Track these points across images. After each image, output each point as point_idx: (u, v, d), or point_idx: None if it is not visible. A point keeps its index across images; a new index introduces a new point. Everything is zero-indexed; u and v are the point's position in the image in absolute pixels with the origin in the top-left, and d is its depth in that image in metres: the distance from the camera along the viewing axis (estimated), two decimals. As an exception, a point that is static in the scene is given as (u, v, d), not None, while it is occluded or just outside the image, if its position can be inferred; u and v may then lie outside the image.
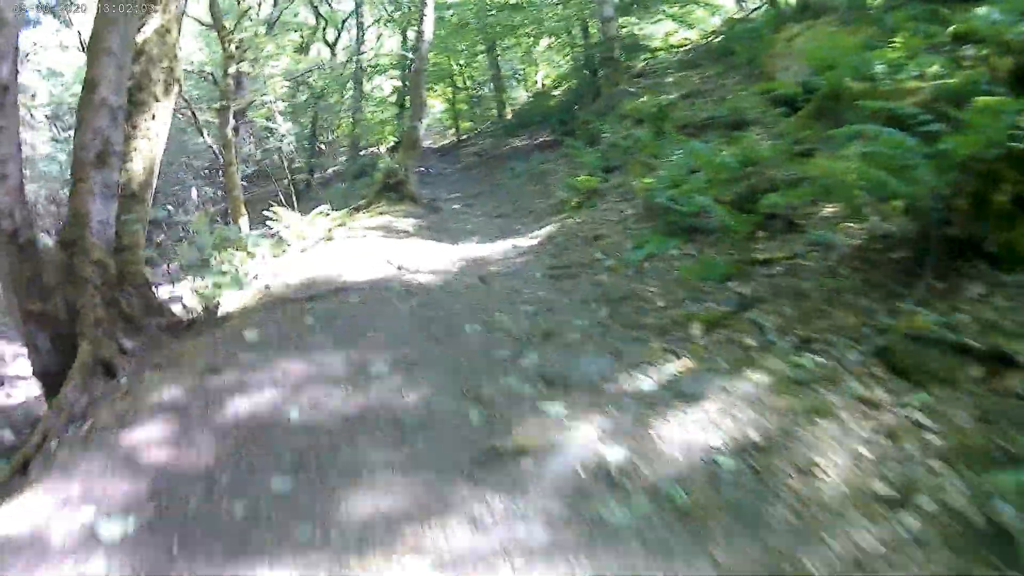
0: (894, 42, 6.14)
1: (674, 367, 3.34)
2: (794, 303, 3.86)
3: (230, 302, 6.78)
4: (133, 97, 6.45)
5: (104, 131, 5.41)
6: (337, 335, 4.73)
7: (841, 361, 3.18)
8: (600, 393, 3.28)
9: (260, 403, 3.78)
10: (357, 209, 10.88)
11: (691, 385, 3.14)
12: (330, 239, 8.53)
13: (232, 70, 13.94)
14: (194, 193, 19.27)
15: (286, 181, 16.16)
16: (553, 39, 18.04)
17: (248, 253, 6.99)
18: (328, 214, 10.73)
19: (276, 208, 11.34)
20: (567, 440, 2.88)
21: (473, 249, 7.58)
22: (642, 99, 10.83)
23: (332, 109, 20.65)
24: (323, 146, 22.69)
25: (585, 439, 2.86)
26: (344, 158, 20.72)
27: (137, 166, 6.32)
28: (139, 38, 6.81)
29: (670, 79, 11.71)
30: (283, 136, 14.77)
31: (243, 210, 12.77)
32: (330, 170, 21.07)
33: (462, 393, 3.49)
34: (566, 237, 6.94)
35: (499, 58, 19.68)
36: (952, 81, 5.44)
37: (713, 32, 14.39)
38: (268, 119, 16.95)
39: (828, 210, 5.20)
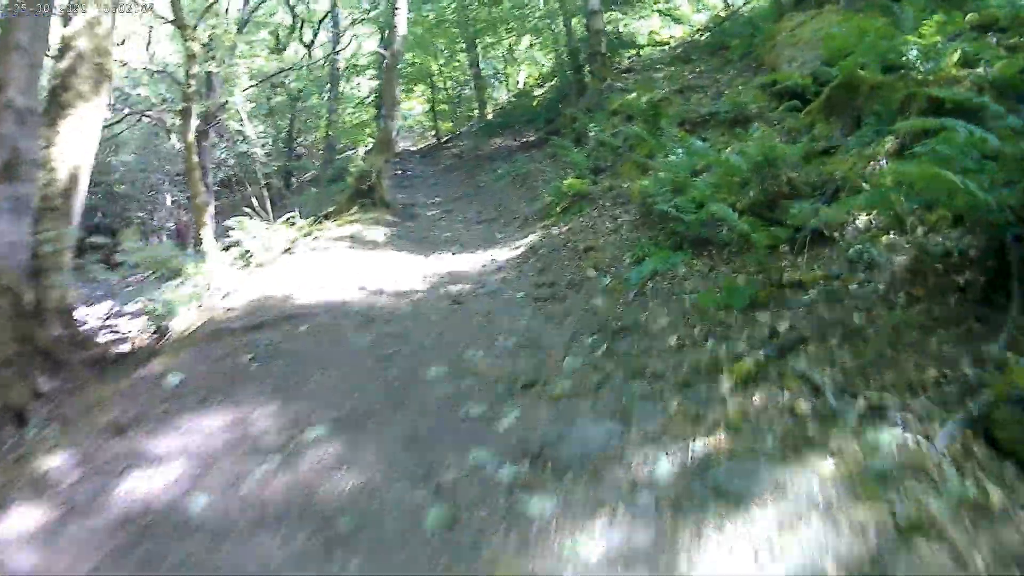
0: (927, 24, 5.28)
1: (704, 443, 2.43)
2: (847, 345, 2.96)
3: (180, 323, 5.85)
4: (57, 98, 5.53)
5: (12, 138, 4.47)
6: (276, 379, 3.78)
7: (929, 437, 2.29)
8: (603, 480, 2.37)
9: (161, 484, 2.85)
10: (327, 216, 9.92)
11: (731, 476, 2.23)
12: (291, 252, 7.58)
13: (195, 70, 12.93)
14: (168, 199, 18.19)
15: (261, 187, 15.12)
16: (535, 37, 17.14)
17: (190, 272, 6.04)
18: (294, 223, 9.77)
19: (241, 218, 10.40)
20: (560, 572, 1.96)
21: (449, 262, 6.65)
22: (632, 95, 9.95)
23: (310, 111, 19.60)
24: (303, 149, 21.63)
25: (585, 570, 1.95)
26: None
27: (59, 175, 5.35)
28: (66, 31, 5.89)
29: (660, 74, 10.84)
30: (251, 140, 13.69)
31: (206, 219, 11.77)
32: (309, 174, 20.02)
33: (418, 476, 2.57)
34: (552, 248, 6.03)
35: (480, 57, 18.74)
36: (1002, 69, 4.61)
37: (700, 29, 13.57)
38: (238, 122, 15.90)
39: (863, 219, 4.32)
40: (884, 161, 4.77)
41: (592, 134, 9.37)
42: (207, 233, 11.22)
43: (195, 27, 12.59)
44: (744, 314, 3.47)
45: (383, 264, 6.57)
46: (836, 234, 4.27)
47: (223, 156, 16.84)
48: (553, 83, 16.62)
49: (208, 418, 3.38)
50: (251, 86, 14.72)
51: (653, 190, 5.59)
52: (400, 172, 15.61)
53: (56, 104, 5.55)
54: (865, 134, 5.48)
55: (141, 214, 18.56)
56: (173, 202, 18.62)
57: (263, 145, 18.93)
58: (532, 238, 6.77)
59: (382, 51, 10.42)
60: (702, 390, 2.81)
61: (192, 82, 13.24)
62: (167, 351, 4.76)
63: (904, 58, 5.18)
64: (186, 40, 12.58)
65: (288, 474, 2.74)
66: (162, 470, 2.96)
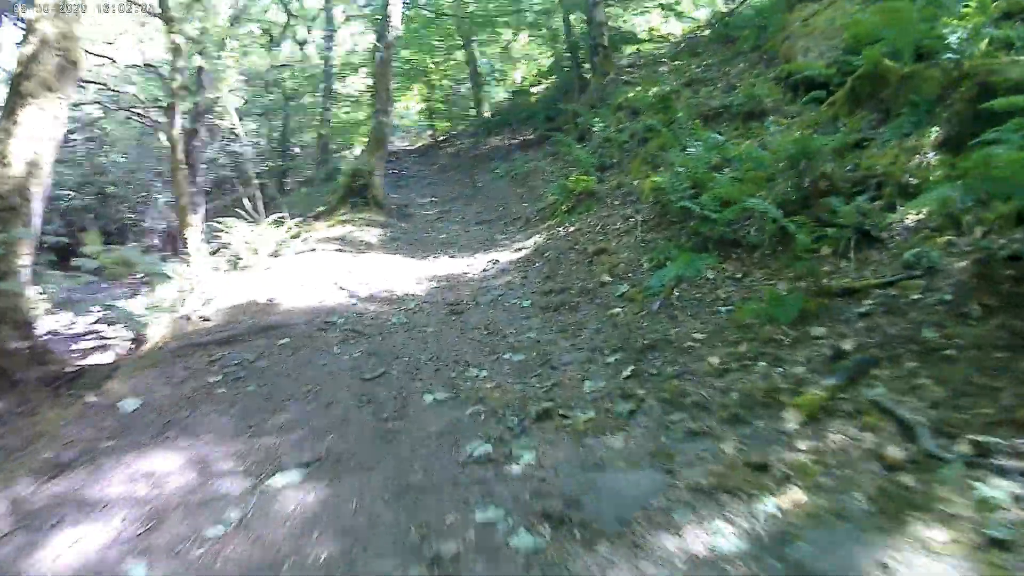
0: (969, 5, 4.75)
1: (774, 503, 1.87)
2: (928, 367, 2.41)
3: (155, 332, 5.29)
4: (18, 87, 4.99)
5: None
6: (245, 407, 3.22)
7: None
8: (648, 553, 1.81)
9: (97, 543, 2.30)
10: (317, 217, 9.35)
11: (817, 552, 1.67)
12: (279, 255, 7.02)
13: (181, 64, 12.36)
14: (161, 200, 17.61)
15: (253, 187, 14.52)
16: (534, 32, 16.57)
17: (168, 277, 5.46)
18: (283, 223, 9.20)
19: (229, 219, 9.84)
20: None
21: (446, 266, 6.09)
22: (636, 89, 9.41)
23: (304, 110, 19.00)
24: (298, 150, 21.00)
25: None
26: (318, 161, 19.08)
27: (15, 171, 4.79)
28: (29, 14, 5.33)
29: (664, 68, 10.30)
30: (242, 138, 13.09)
31: (191, 221, 11.19)
32: (305, 174, 19.41)
33: (410, 543, 2.01)
34: (559, 251, 5.47)
35: (476, 54, 18.17)
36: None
37: (702, 24, 13.01)
38: (226, 119, 15.30)
39: (912, 218, 3.78)
40: (932, 154, 4.24)
41: (596, 130, 8.82)
42: (193, 235, 10.63)
43: (182, 20, 12.01)
44: (794, 329, 2.92)
45: (374, 268, 6.01)
46: (885, 235, 3.73)
47: (215, 155, 16.25)
48: (551, 80, 16.07)
49: (162, 456, 2.82)
50: (242, 83, 14.15)
51: (669, 187, 5.04)
52: (395, 172, 15.04)
53: (16, 94, 5.01)
54: (901, 125, 4.95)
55: (132, 216, 17.95)
56: (166, 203, 18.01)
57: (256, 144, 18.35)
58: (536, 240, 6.21)
59: (377, 44, 9.87)
60: (760, 427, 2.26)
61: (178, 77, 12.64)
62: (129, 369, 4.19)
63: (946, 42, 4.64)
64: (171, 33, 12.01)
65: (248, 537, 2.18)
66: (100, 524, 2.40)
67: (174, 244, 12.90)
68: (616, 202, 6.34)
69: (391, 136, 10.58)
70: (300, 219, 9.60)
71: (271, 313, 4.75)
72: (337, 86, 19.40)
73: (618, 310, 3.80)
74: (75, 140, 16.38)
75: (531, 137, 13.48)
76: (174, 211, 16.47)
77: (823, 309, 3.04)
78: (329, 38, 18.90)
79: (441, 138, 18.78)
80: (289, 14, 19.90)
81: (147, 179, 18.64)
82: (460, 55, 18.63)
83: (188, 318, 5.18)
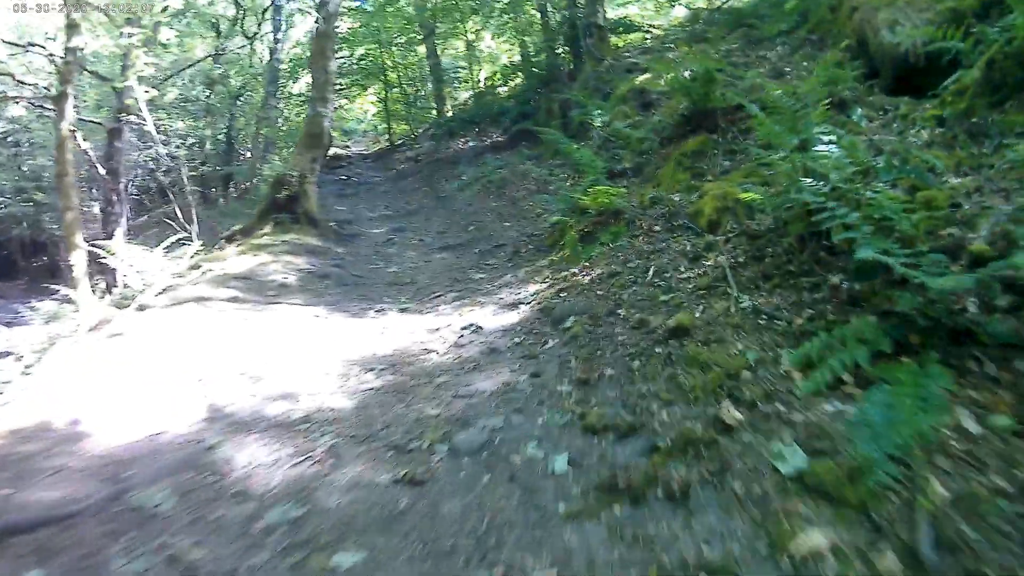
0: None
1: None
2: None
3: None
4: None
5: None
6: None
7: None
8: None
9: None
10: (232, 237, 6.77)
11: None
12: (143, 308, 4.46)
13: (77, 42, 9.55)
14: (96, 208, 14.55)
15: (189, 195, 11.66)
16: (500, 24, 14.18)
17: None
18: (173, 248, 6.60)
19: (110, 242, 7.28)
20: None
21: (394, 334, 3.63)
22: (643, 77, 7.16)
23: (252, 110, 16.03)
24: (250, 153, 17.90)
25: None
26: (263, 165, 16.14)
27: None
28: None
29: (674, 54, 8.05)
30: (154, 136, 10.18)
31: (78, 241, 8.43)
32: (254, 180, 16.44)
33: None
34: (592, 319, 3.07)
35: (437, 48, 15.67)
36: None
37: (700, 11, 10.83)
38: (160, 118, 12.43)
39: None
40: None
41: (598, 125, 6.49)
42: (78, 258, 7.82)
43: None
44: None
45: (277, 339, 3.54)
46: None
47: (147, 159, 13.23)
48: (521, 78, 13.57)
49: None
50: (149, 63, 11.33)
51: (785, 208, 2.76)
52: (343, 178, 12.45)
53: None
54: None
55: (54, 225, 14.85)
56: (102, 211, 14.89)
57: (193, 147, 15.39)
58: (540, 289, 3.82)
59: (317, 15, 7.34)
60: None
61: (69, 59, 9.69)
62: None
63: None
64: (66, 6, 9.18)
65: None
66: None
67: (96, 260, 10.02)
68: (656, 227, 4.01)
69: (331, 132, 8.04)
70: (221, 238, 7.04)
71: (53, 467, 2.28)
72: (289, 84, 16.68)
73: (811, 540, 1.43)
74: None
75: (501, 139, 11.11)
76: (98, 220, 13.05)
77: None
78: (277, 28, 16.12)
79: (399, 142, 16.21)
80: (238, 6, 16.82)
81: (77, 185, 15.52)
82: (421, 50, 16.15)
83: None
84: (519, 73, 13.25)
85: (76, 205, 9.16)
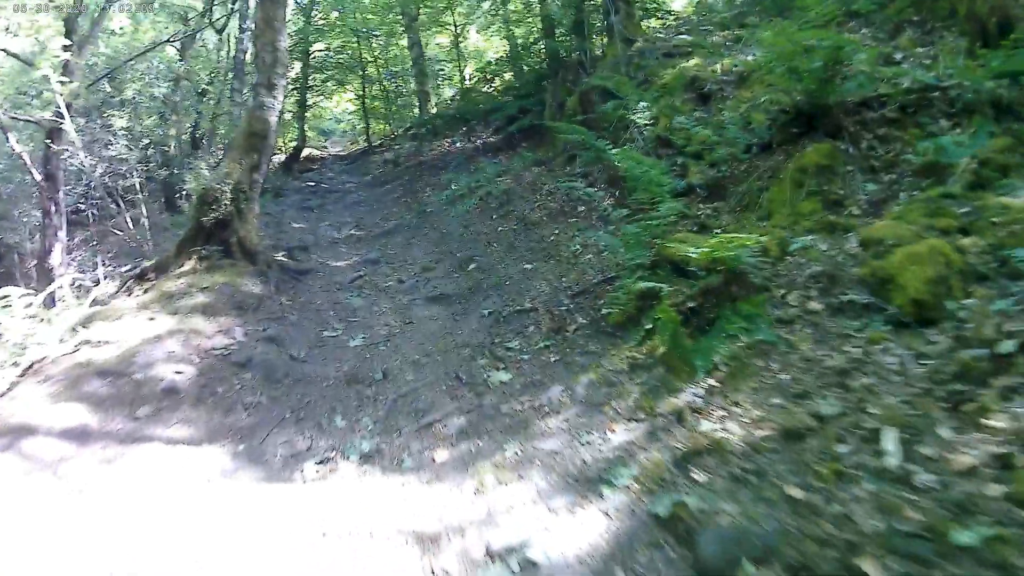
0: None
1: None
2: None
3: None
4: None
5: None
6: None
7: None
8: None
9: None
10: (143, 276, 4.78)
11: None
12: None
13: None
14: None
15: (139, 204, 9.49)
16: (490, 17, 12.25)
17: None
18: (81, 291, 4.59)
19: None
20: None
21: (342, 548, 1.73)
22: (692, 61, 5.33)
23: (222, 109, 13.77)
24: (220, 154, 15.53)
25: None
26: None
27: None
28: None
29: (717, 38, 6.24)
30: (73, 139, 7.96)
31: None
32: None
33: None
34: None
35: (421, 39, 13.66)
36: None
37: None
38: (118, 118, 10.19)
39: None
40: None
41: (642, 123, 4.63)
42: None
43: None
44: None
45: (104, 555, 1.64)
46: None
47: (93, 163, 10.99)
48: (512, 71, 11.56)
49: None
50: (115, 67, 9.19)
51: None
52: (311, 184, 10.43)
53: None
54: None
55: (16, 239, 12.38)
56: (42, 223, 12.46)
57: (150, 148, 13.11)
58: (628, 435, 1.93)
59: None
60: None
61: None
62: None
63: None
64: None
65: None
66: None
67: (46, 275, 7.84)
68: (814, 304, 2.17)
69: (277, 131, 6.02)
70: (130, 276, 5.03)
71: None
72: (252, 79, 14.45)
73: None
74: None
75: (493, 139, 9.19)
76: (52, 230, 10.74)
77: None
78: (244, 16, 13.90)
79: (377, 142, 14.14)
80: None
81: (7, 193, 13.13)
82: (403, 42, 14.13)
83: None
84: (509, 65, 11.30)
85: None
